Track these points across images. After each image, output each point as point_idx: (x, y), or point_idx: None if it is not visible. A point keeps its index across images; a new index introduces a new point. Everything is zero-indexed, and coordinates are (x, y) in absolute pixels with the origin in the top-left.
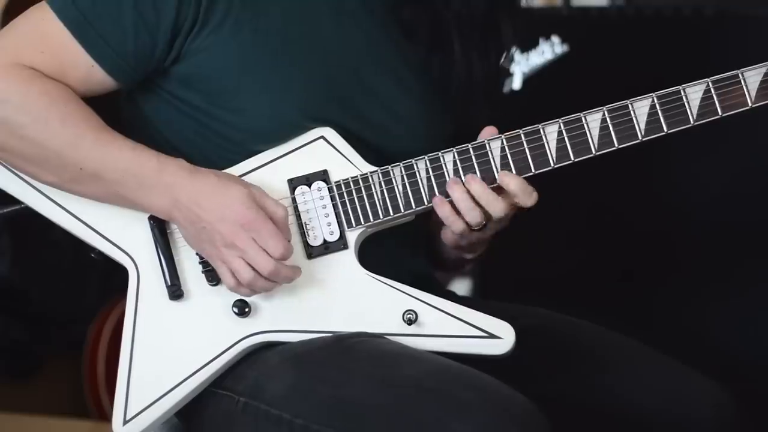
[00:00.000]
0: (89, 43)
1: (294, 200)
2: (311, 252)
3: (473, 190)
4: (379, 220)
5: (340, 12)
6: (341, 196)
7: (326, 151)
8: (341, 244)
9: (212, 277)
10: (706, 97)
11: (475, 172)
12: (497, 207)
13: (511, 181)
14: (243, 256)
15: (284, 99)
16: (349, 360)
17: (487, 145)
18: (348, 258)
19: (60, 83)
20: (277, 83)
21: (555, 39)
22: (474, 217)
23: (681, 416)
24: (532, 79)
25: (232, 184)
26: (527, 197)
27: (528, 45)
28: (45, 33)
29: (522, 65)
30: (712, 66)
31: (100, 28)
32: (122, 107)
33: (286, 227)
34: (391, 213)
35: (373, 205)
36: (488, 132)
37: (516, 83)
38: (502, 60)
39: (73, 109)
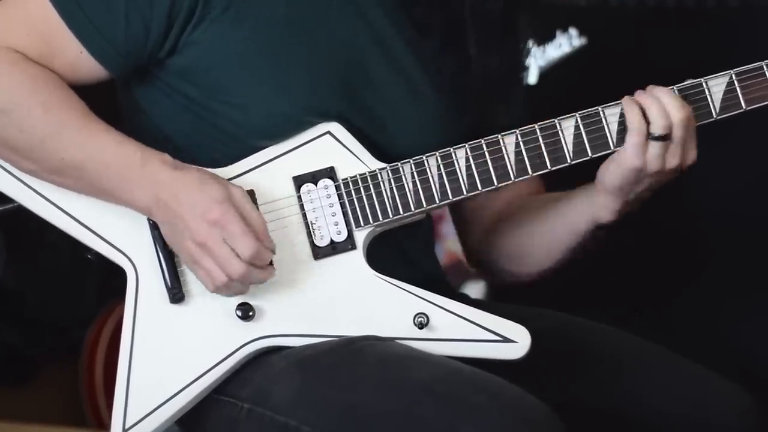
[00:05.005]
0: (78, 27)
1: (299, 198)
2: (318, 253)
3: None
4: (389, 219)
5: (350, 7)
6: (349, 194)
7: (333, 147)
8: (349, 244)
9: None
10: (729, 90)
11: (489, 169)
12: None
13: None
14: (212, 257)
15: (286, 95)
16: (357, 364)
17: (500, 141)
18: (356, 258)
19: (46, 69)
20: (278, 78)
21: (573, 31)
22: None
23: (703, 422)
24: (548, 72)
25: (213, 182)
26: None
27: (545, 38)
28: (33, 15)
29: (538, 59)
30: (735, 60)
31: (90, 12)
32: (119, 100)
33: (266, 237)
34: (401, 212)
35: (382, 203)
36: None
37: (532, 77)
38: (520, 57)
39: (57, 96)
